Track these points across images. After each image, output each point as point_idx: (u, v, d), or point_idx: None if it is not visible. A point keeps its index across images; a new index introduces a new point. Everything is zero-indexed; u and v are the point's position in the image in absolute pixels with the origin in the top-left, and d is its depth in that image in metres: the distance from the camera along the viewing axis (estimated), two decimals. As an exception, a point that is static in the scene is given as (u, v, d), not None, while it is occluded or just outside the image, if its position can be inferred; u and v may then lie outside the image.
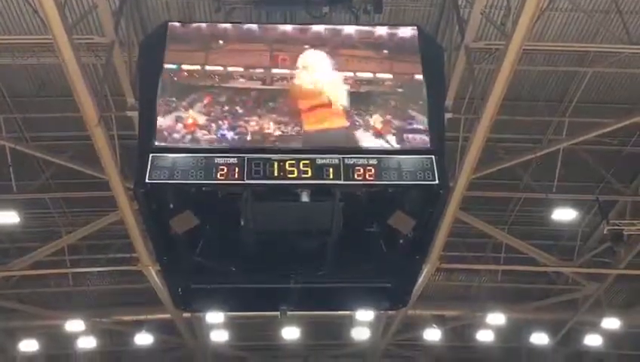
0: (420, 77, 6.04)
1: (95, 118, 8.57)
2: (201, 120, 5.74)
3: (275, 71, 6.06)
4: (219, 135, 5.68)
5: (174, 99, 5.82)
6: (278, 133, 5.72)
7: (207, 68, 6.03)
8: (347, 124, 5.83)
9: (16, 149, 11.47)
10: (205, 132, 5.68)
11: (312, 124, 5.80)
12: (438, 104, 6.11)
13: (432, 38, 7.92)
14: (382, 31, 6.38)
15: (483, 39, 9.45)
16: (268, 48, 6.18)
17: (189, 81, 5.95)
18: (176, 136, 5.62)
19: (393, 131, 5.77)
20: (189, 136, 5.64)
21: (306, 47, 6.22)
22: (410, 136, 5.77)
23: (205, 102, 5.83)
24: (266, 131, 5.73)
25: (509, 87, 8.31)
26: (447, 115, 7.40)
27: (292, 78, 6.03)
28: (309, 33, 6.36)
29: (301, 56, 6.11)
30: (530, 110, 11.72)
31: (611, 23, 9.70)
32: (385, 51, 6.23)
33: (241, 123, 5.74)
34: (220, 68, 6.03)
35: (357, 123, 5.83)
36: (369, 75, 6.09)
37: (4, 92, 11.12)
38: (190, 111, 5.77)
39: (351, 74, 6.07)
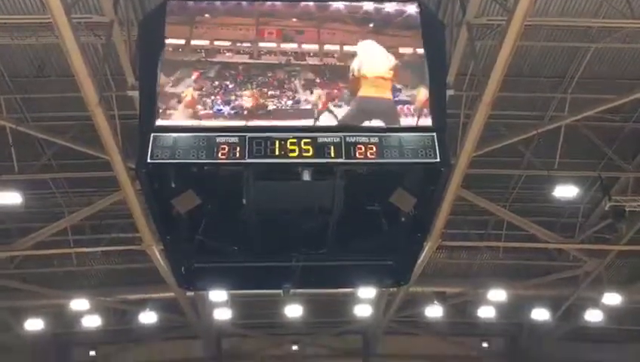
0: (406, 50, 6.02)
1: (95, 98, 8.54)
2: (194, 95, 5.72)
3: (262, 45, 6.03)
4: (215, 110, 5.67)
5: (163, 75, 5.79)
6: (272, 107, 5.71)
7: (193, 42, 5.99)
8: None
9: (17, 130, 11.45)
10: (201, 107, 5.66)
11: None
12: (439, 81, 6.08)
13: (434, 13, 7.85)
14: (369, 6, 6.34)
15: (485, 15, 9.35)
16: (254, 22, 6.14)
17: (174, 57, 5.92)
18: (174, 112, 5.60)
19: None
20: (189, 111, 5.61)
21: (294, 20, 6.18)
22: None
23: (194, 77, 5.81)
24: (260, 105, 5.71)
25: (510, 63, 8.26)
26: (449, 92, 7.34)
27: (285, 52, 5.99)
28: (297, 7, 6.31)
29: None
30: (532, 86, 11.66)
31: (614, -2, 9.60)
32: (370, 25, 6.20)
33: (234, 97, 5.72)
34: (206, 42, 6.00)
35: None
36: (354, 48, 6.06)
37: (3, 72, 11.08)
38: (180, 87, 5.75)
39: (337, 47, 6.04)
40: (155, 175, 5.59)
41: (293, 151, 5.47)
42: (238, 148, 5.43)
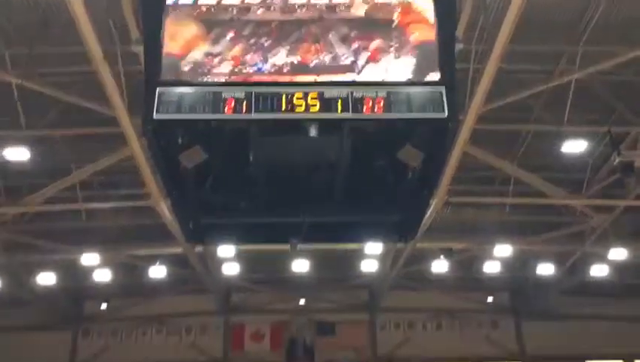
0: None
1: (100, 54, 8.48)
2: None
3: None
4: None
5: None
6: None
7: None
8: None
9: (23, 85, 11.39)
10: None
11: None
12: (448, 34, 5.96)
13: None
14: None
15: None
16: None
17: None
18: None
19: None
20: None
21: None
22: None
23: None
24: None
25: (520, 16, 8.10)
26: (458, 46, 7.23)
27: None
28: None
29: None
30: (542, 40, 11.46)
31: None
32: None
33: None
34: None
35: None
36: None
37: (7, 27, 10.96)
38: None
39: None
40: (161, 131, 5.56)
41: (299, 106, 5.41)
42: (244, 103, 5.38)
